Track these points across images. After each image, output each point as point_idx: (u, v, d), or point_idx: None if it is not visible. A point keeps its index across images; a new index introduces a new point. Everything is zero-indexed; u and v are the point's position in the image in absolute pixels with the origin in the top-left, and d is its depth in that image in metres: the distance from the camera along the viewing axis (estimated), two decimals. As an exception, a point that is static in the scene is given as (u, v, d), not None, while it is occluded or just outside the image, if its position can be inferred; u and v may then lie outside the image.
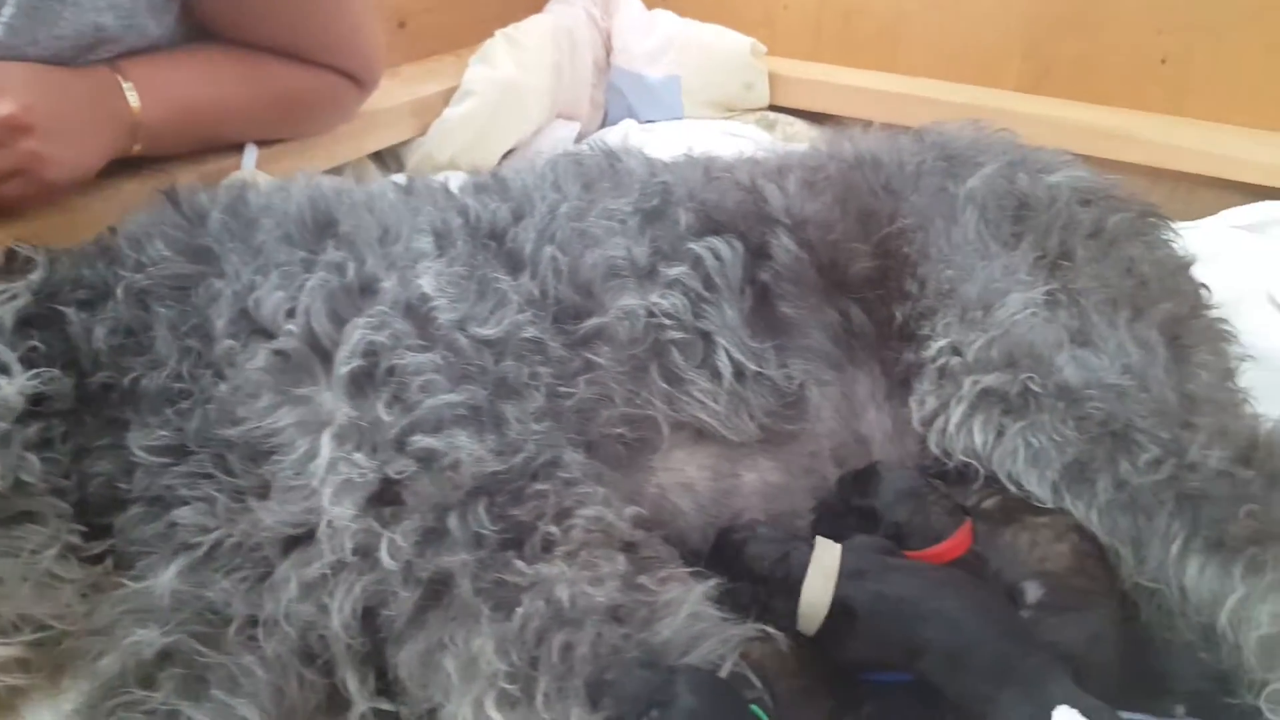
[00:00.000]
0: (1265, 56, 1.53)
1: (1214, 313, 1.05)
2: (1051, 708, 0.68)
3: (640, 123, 1.69)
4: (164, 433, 0.79)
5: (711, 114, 1.71)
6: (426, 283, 0.84)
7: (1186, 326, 0.96)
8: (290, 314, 0.80)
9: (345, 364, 0.77)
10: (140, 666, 0.73)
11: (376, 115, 1.40)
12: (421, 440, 0.74)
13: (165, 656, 0.74)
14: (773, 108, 1.73)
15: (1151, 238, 1.04)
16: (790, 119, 1.70)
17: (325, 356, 0.78)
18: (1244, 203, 1.47)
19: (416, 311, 0.82)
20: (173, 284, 0.84)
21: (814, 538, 0.83)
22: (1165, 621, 0.84)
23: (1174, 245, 1.08)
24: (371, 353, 0.78)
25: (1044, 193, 1.02)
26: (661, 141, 1.17)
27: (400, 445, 0.74)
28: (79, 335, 0.81)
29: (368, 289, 0.83)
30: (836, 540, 0.87)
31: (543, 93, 1.54)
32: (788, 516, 0.93)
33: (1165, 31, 1.56)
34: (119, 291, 0.83)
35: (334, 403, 0.76)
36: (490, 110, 1.47)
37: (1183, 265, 1.05)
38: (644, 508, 0.83)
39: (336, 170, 1.37)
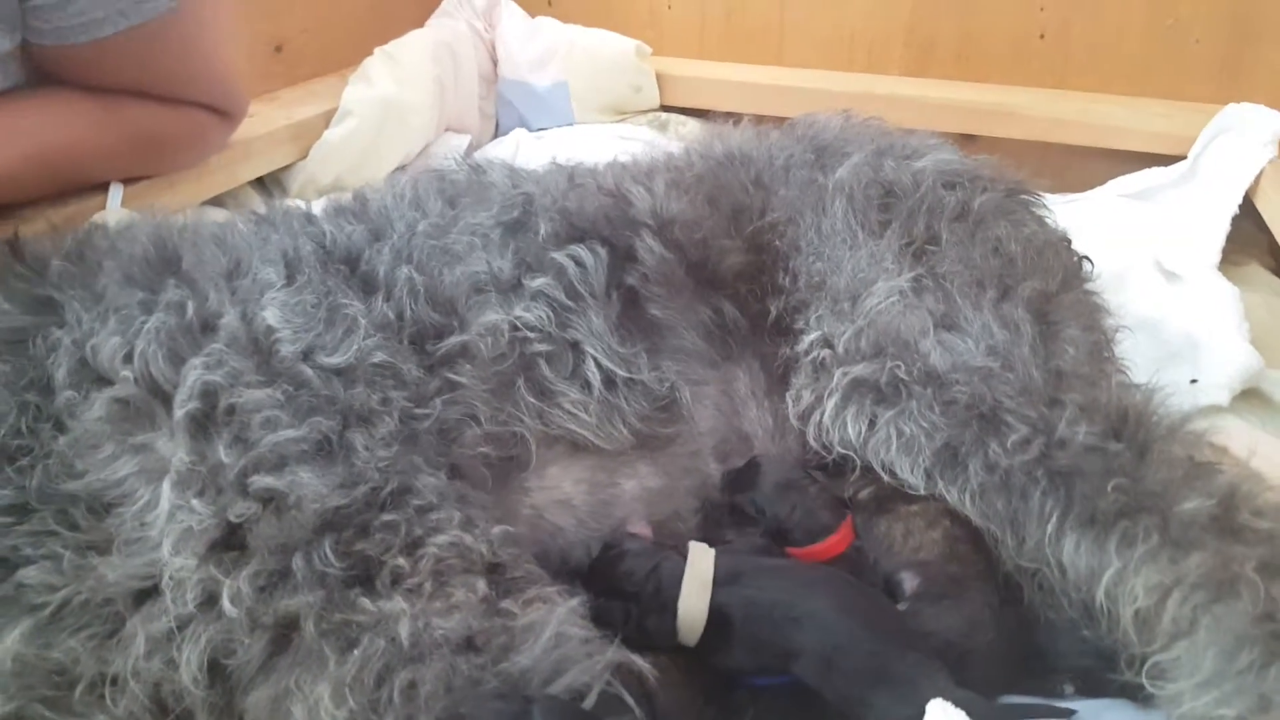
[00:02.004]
0: (1143, 25, 1.56)
1: (1088, 285, 1.06)
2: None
3: (531, 131, 1.67)
4: (4, 491, 0.74)
5: (603, 118, 1.69)
6: (271, 314, 0.81)
7: (1055, 303, 0.96)
8: (127, 359, 0.77)
9: (182, 406, 0.74)
10: None
11: (252, 142, 1.36)
12: (262, 480, 0.71)
13: None
14: (664, 108, 1.73)
15: (1019, 215, 1.04)
16: (682, 118, 1.69)
17: (166, 400, 0.75)
18: (1131, 171, 1.49)
19: (258, 345, 0.79)
20: (9, 337, 0.80)
21: (689, 543, 0.82)
22: (1048, 601, 0.84)
23: (1046, 221, 1.08)
24: (209, 393, 0.75)
25: (909, 179, 1.02)
26: (553, 149, 1.15)
27: (241, 487, 0.71)
28: None
29: (208, 326, 0.80)
30: (715, 540, 0.86)
31: (426, 108, 1.51)
32: (671, 520, 0.92)
33: (1043, 7, 1.58)
34: None
35: (172, 448, 0.73)
36: (372, 129, 1.44)
37: (1052, 241, 1.05)
38: (521, 529, 0.81)
39: (215, 201, 1.33)
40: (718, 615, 0.77)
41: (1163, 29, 1.54)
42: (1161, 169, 1.46)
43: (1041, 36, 1.59)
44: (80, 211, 1.12)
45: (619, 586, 0.80)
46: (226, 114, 1.20)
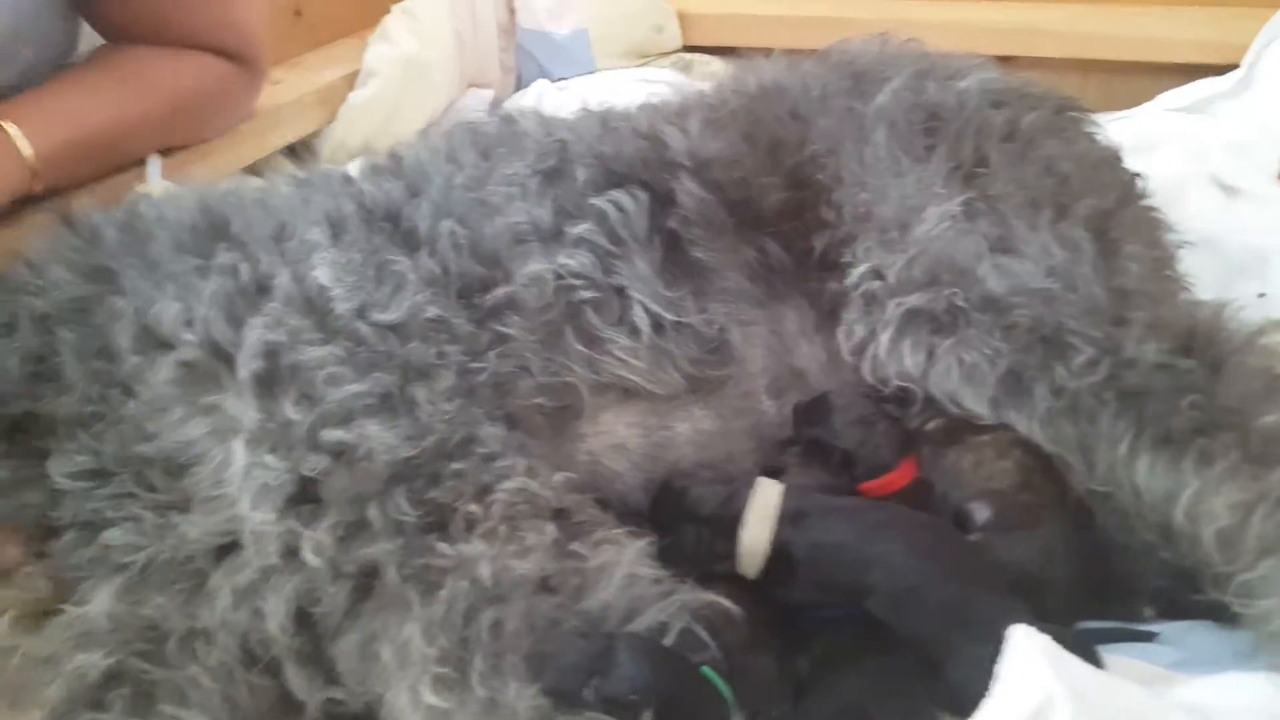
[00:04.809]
0: (1185, -70, 1.48)
1: (1146, 201, 1.03)
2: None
3: (553, 81, 1.64)
4: (83, 457, 0.77)
5: (625, 63, 1.65)
6: (322, 274, 0.81)
7: (1114, 220, 0.93)
8: (189, 323, 0.78)
9: (247, 366, 0.75)
10: (88, 690, 0.72)
11: (280, 109, 1.35)
12: (332, 434, 0.73)
13: (111, 677, 0.73)
14: (687, 48, 1.68)
15: (1071, 132, 1.01)
16: (706, 58, 1.64)
17: (229, 361, 0.77)
18: (1179, 84, 1.43)
19: (314, 304, 0.80)
20: (73, 306, 0.82)
21: (757, 477, 0.82)
22: (1122, 524, 0.82)
23: (1097, 137, 1.05)
24: (271, 352, 0.76)
25: (954, 100, 0.98)
26: (577, 98, 1.13)
27: (312, 442, 0.73)
28: None
29: (263, 288, 0.81)
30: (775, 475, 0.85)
31: (447, 64, 1.49)
32: (725, 462, 0.91)
33: (1078, -82, 1.52)
34: (23, 318, 0.81)
35: (241, 408, 0.74)
36: (395, 88, 1.42)
37: (1107, 157, 1.02)
38: (579, 476, 0.81)
39: (250, 171, 1.33)
40: (781, 552, 0.77)
41: (1207, -71, 1.47)
42: (1213, 79, 1.40)
43: (1078, -53, 1.53)
44: (121, 183, 1.13)
45: (692, 511, 0.80)
46: (248, 62, 1.19)
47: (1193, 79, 1.42)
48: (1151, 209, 1.01)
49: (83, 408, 0.78)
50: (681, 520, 0.80)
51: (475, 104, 1.51)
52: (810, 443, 0.91)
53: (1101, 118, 1.14)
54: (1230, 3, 1.49)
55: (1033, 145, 0.97)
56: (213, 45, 1.15)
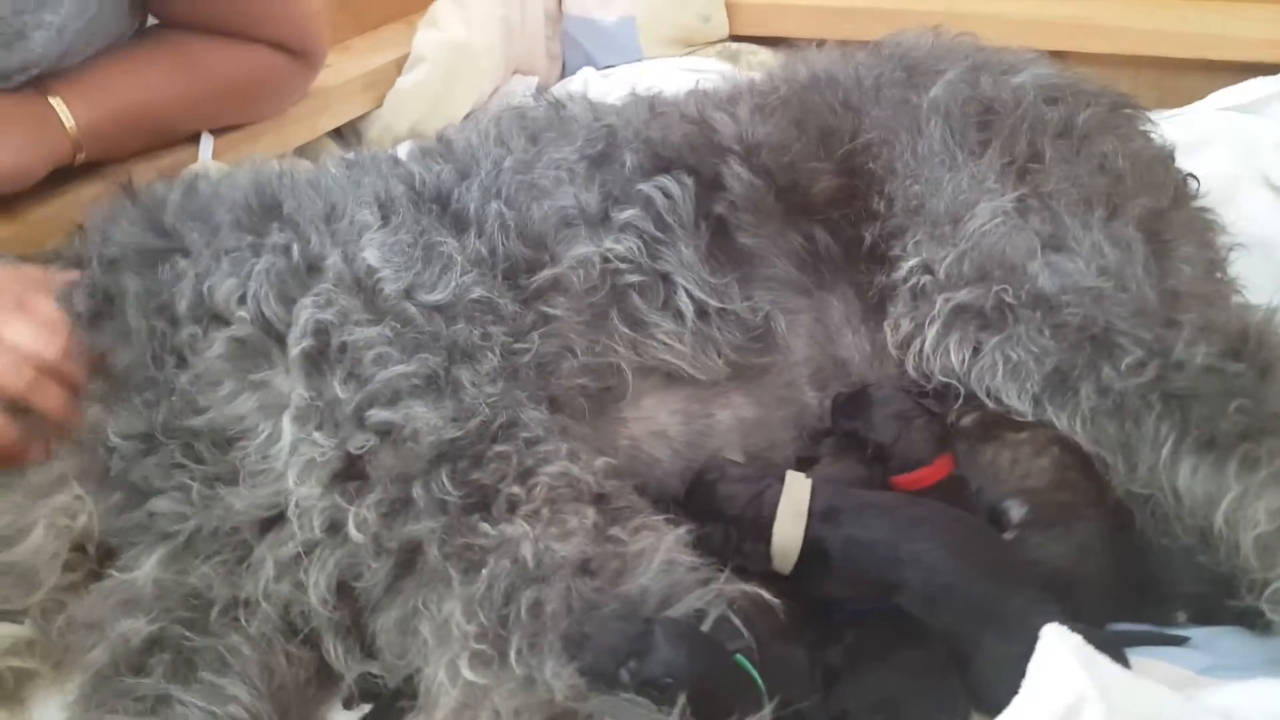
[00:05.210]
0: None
1: (1199, 202, 1.01)
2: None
3: (599, 69, 1.64)
4: (135, 421, 0.80)
5: (671, 51, 1.65)
6: (371, 255, 0.82)
7: (1167, 220, 0.92)
8: (241, 300, 0.80)
9: (297, 344, 0.77)
10: (130, 655, 0.75)
11: (329, 92, 1.36)
12: (379, 414, 0.74)
13: (153, 643, 0.75)
14: (734, 38, 1.68)
15: (1125, 130, 1.00)
16: (754, 48, 1.64)
17: (279, 339, 0.78)
18: (1233, 82, 1.40)
19: (363, 285, 0.81)
20: (141, 255, 0.84)
21: (786, 471, 0.82)
22: (1161, 527, 0.82)
23: (1151, 136, 1.03)
24: (321, 331, 0.77)
25: (1009, 95, 0.97)
26: (623, 86, 1.13)
27: (359, 420, 0.74)
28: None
29: (314, 267, 0.82)
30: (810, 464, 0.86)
31: (494, 50, 1.50)
32: (767, 451, 0.92)
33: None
34: (93, 257, 0.84)
35: (290, 384, 0.76)
36: (443, 74, 1.43)
37: (1161, 156, 1.01)
38: (619, 461, 0.82)
39: (300, 152, 1.35)
40: (814, 548, 0.77)
41: (1269, -75, 1.43)
42: (1267, 78, 1.37)
43: (1135, -58, 1.50)
44: (173, 164, 1.15)
45: (719, 509, 0.80)
46: (303, 55, 1.21)
47: (1247, 77, 1.39)
48: (1204, 210, 1.00)
49: (138, 371, 0.80)
50: (711, 517, 0.80)
51: (521, 90, 1.51)
52: (845, 435, 0.92)
53: (1153, 115, 1.12)
54: (1288, 1, 1.46)
55: (1087, 142, 0.95)
56: (270, 38, 1.17)
